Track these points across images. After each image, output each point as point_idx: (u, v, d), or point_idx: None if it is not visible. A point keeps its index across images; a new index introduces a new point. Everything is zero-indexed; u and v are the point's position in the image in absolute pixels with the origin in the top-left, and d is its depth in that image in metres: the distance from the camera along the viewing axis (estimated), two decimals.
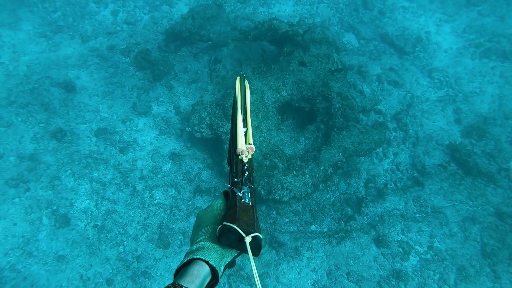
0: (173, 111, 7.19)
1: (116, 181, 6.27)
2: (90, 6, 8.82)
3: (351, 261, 5.48)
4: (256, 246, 1.06)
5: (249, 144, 1.36)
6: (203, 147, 6.73)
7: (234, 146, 1.35)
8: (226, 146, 6.05)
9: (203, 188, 6.28)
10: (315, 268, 5.45)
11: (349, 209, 6.13)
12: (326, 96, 6.26)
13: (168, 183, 6.31)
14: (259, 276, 5.35)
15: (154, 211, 6.02)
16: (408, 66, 8.03)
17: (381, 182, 6.53)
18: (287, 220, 6.00)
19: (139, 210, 6.02)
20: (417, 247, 5.60)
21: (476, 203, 6.02)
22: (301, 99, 6.40)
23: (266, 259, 5.57)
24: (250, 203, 1.16)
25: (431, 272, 5.38)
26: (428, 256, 5.53)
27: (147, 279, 5.41)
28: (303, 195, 5.75)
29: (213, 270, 1.01)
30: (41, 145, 6.54)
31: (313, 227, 5.97)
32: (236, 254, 1.13)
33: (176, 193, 6.25)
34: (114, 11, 8.76)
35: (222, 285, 5.35)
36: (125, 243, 5.70)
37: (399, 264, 5.46)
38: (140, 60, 7.54)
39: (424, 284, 5.27)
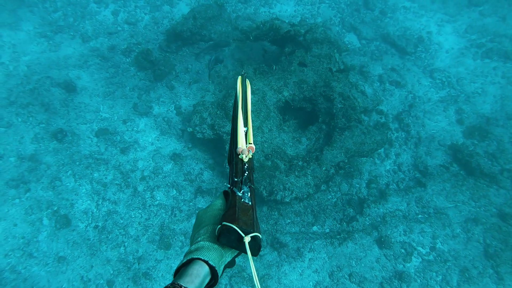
0: (174, 111, 7.16)
1: (117, 182, 6.24)
2: (91, 6, 8.79)
3: (353, 262, 5.45)
4: (256, 246, 1.05)
5: (250, 143, 1.35)
6: (204, 148, 6.71)
7: (235, 146, 1.34)
8: (227, 147, 6.02)
9: (204, 189, 6.25)
10: (317, 269, 5.42)
11: (351, 210, 6.10)
12: (327, 96, 6.23)
13: (169, 184, 6.28)
14: (261, 278, 5.32)
15: (155, 212, 5.99)
16: (409, 67, 8.01)
17: (383, 182, 6.50)
18: (288, 221, 5.97)
19: (140, 211, 5.99)
20: (419, 248, 5.58)
21: (479, 204, 5.99)
22: (302, 99, 6.37)
23: (268, 260, 5.54)
24: (250, 203, 1.15)
25: (434, 274, 5.35)
26: (431, 257, 5.50)
27: (148, 280, 5.38)
28: (305, 196, 5.72)
29: (212, 270, 1.01)
30: (42, 146, 6.51)
31: (315, 228, 5.94)
32: (235, 254, 1.12)
33: (177, 194, 6.22)
34: (114, 11, 8.74)
35: (223, 286, 5.32)
36: (126, 244, 5.67)
37: (402, 265, 5.43)
38: (141, 60, 7.51)
39: (426, 285, 5.24)
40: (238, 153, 1.30)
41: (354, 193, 6.33)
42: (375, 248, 5.58)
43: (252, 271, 0.97)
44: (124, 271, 5.43)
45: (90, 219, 5.87)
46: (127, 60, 7.85)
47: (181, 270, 1.00)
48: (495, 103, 7.48)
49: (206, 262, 1.00)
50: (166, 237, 5.74)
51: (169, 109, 7.19)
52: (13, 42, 7.93)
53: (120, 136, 6.80)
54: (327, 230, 5.90)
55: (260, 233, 1.08)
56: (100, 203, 6.03)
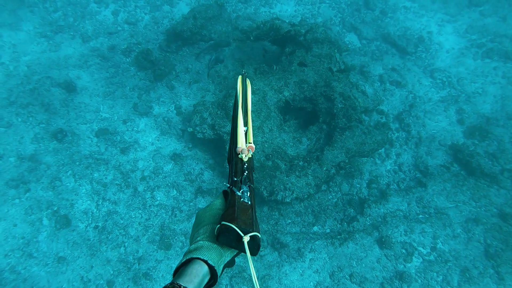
0: (175, 111, 7.15)
1: (117, 182, 6.23)
2: (91, 6, 8.78)
3: (354, 263, 5.44)
4: (255, 245, 1.05)
5: (250, 143, 1.35)
6: (204, 148, 6.69)
7: (234, 145, 1.33)
8: (227, 146, 6.01)
9: (205, 189, 6.24)
10: (317, 270, 5.41)
11: (352, 210, 6.09)
12: (328, 96, 6.23)
13: (169, 184, 6.27)
14: (262, 278, 5.31)
15: (155, 212, 5.98)
16: (410, 66, 8.01)
17: (384, 182, 6.49)
18: (289, 221, 5.96)
19: (140, 211, 5.98)
20: (420, 248, 5.57)
21: (479, 204, 5.98)
22: (303, 99, 6.36)
23: (269, 261, 5.53)
24: (249, 203, 1.15)
25: (435, 274, 5.34)
26: (432, 258, 5.49)
27: (148, 281, 5.36)
28: (306, 196, 5.71)
29: (211, 269, 1.00)
30: (42, 146, 6.50)
31: (315, 228, 5.93)
32: (235, 253, 1.12)
33: (178, 194, 6.21)
34: (115, 11, 8.73)
35: (224, 287, 5.31)
36: (126, 244, 5.66)
37: (402, 266, 5.42)
38: (141, 60, 7.50)
39: (427, 285, 5.23)
40: (238, 152, 1.30)
41: (354, 193, 6.32)
42: (376, 248, 5.57)
43: (251, 270, 0.96)
44: (124, 272, 5.42)
45: (90, 219, 5.86)
46: (127, 60, 7.84)
47: (180, 269, 1.00)
48: (495, 103, 7.48)
49: (205, 262, 1.00)
50: (166, 238, 5.73)
51: (169, 109, 7.18)
52: (13, 42, 7.92)
53: (120, 136, 6.79)
54: (328, 230, 5.89)
55: (259, 233, 1.08)
56: (100, 203, 6.02)
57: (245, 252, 1.03)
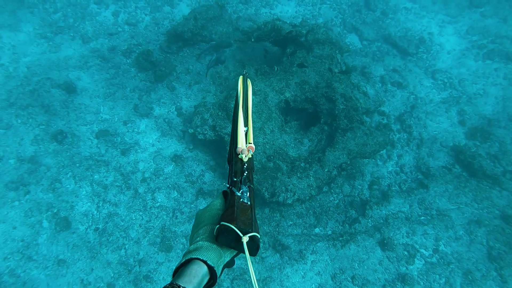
0: (175, 112, 7.12)
1: (117, 184, 6.19)
2: (91, 7, 8.76)
3: (356, 265, 5.41)
4: (254, 246, 1.05)
5: (250, 143, 1.34)
6: (205, 149, 6.66)
7: (234, 145, 1.33)
8: (228, 147, 5.98)
9: (206, 191, 6.21)
10: (319, 272, 5.38)
11: (353, 212, 6.06)
12: (329, 97, 6.20)
13: (170, 186, 6.24)
14: (263, 280, 5.28)
15: (156, 214, 5.94)
16: (411, 67, 7.99)
17: (385, 184, 6.46)
18: (290, 222, 5.93)
19: (141, 213, 5.94)
20: (422, 250, 5.54)
21: (482, 206, 5.96)
22: (304, 100, 6.34)
23: (270, 263, 5.49)
24: (249, 203, 1.15)
25: (437, 276, 5.31)
26: (434, 260, 5.46)
27: (149, 283, 5.33)
28: (307, 198, 5.68)
29: (211, 270, 1.00)
30: (42, 147, 6.46)
31: (317, 230, 5.90)
32: (234, 254, 1.12)
33: (179, 196, 6.18)
34: (115, 12, 8.71)
35: None
36: (126, 246, 5.62)
37: (405, 268, 5.39)
38: (142, 61, 7.48)
39: None
40: (238, 152, 1.29)
41: (356, 194, 6.30)
42: (378, 250, 5.54)
43: (250, 270, 0.96)
44: (125, 274, 5.38)
45: (91, 221, 5.82)
46: (128, 61, 7.81)
47: (179, 270, 0.99)
48: (496, 104, 7.46)
49: (205, 262, 1.00)
50: (167, 240, 5.69)
51: (170, 110, 7.15)
52: (13, 44, 7.89)
53: (120, 138, 6.76)
54: (330, 232, 5.86)
55: (258, 233, 1.07)
56: (100, 205, 5.99)
57: (244, 252, 1.02)
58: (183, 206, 6.07)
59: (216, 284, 1.03)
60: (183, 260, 1.01)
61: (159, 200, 6.09)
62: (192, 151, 6.67)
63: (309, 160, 5.85)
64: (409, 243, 5.56)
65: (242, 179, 1.20)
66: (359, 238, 5.60)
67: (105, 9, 8.76)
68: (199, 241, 1.08)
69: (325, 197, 6.20)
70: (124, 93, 7.31)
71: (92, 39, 8.15)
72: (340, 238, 5.63)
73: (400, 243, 5.56)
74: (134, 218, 5.88)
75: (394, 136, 7.01)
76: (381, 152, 6.62)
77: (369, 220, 5.86)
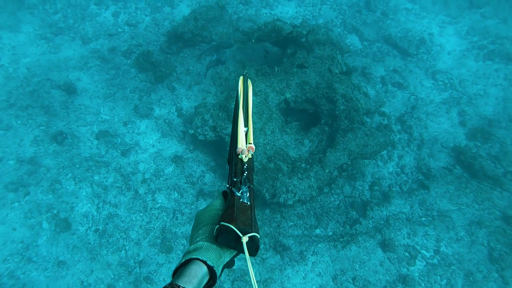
0: (176, 113, 7.11)
1: (117, 185, 6.17)
2: (91, 7, 8.75)
3: (357, 266, 5.39)
4: (254, 246, 1.05)
5: (250, 143, 1.34)
6: (206, 150, 6.65)
7: (234, 146, 1.33)
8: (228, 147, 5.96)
9: (206, 192, 6.19)
10: (320, 273, 5.36)
11: (354, 213, 6.05)
12: (330, 98, 6.19)
13: (170, 186, 6.22)
14: (264, 281, 5.26)
15: (156, 215, 5.93)
16: (411, 68, 7.99)
17: (386, 185, 6.45)
18: (291, 223, 5.91)
19: (141, 214, 5.92)
20: (423, 251, 5.52)
21: (483, 207, 5.94)
22: (305, 101, 6.33)
23: (271, 264, 5.48)
24: (249, 203, 1.15)
25: (438, 277, 5.30)
26: (435, 261, 5.45)
27: (149, 285, 5.30)
28: (308, 199, 5.67)
29: (211, 270, 1.01)
30: (41, 148, 6.45)
31: (318, 231, 5.88)
32: (234, 254, 1.12)
33: (179, 197, 6.16)
34: (115, 12, 8.70)
35: None
36: (127, 248, 5.60)
37: (406, 269, 5.38)
38: (142, 62, 7.47)
39: None
40: (238, 153, 1.29)
41: (357, 195, 6.28)
42: (379, 251, 5.53)
43: (250, 271, 0.96)
44: (125, 276, 5.36)
45: (91, 222, 5.80)
46: (128, 61, 7.80)
47: (179, 270, 0.99)
48: (497, 105, 7.46)
49: (205, 262, 1.00)
50: (167, 241, 5.68)
51: (170, 111, 7.14)
52: (12, 44, 7.88)
53: (120, 138, 6.74)
54: (330, 233, 5.85)
55: (258, 233, 1.07)
56: (100, 206, 5.97)
57: (244, 252, 1.02)
58: (184, 207, 6.06)
59: (216, 284, 1.03)
60: (183, 260, 1.01)
61: (160, 201, 6.08)
62: (192, 152, 6.66)
63: (310, 161, 5.84)
64: (410, 244, 5.54)
65: (242, 180, 1.20)
66: (360, 239, 5.58)
67: (105, 10, 8.76)
68: (199, 241, 1.08)
69: (325, 198, 6.19)
70: (124, 93, 7.30)
71: (92, 40, 8.14)
72: (341, 239, 5.62)
73: (401, 244, 5.55)
74: (134, 219, 5.87)
75: (394, 136, 7.00)
76: (382, 152, 6.61)
77: (370, 221, 5.85)
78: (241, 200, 1.14)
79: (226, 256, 1.09)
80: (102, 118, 6.96)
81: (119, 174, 6.28)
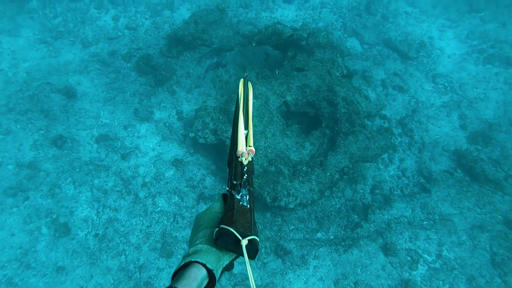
0: (176, 116, 7.09)
1: (117, 189, 6.13)
2: (91, 11, 8.75)
3: (359, 270, 5.35)
4: (253, 249, 1.05)
5: (250, 146, 1.34)
6: (206, 153, 6.62)
7: (234, 148, 1.33)
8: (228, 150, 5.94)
9: (207, 195, 6.16)
10: (322, 277, 5.32)
11: (356, 216, 6.02)
12: (331, 101, 6.18)
13: (171, 190, 6.19)
14: (266, 286, 5.21)
15: (156, 219, 5.88)
16: (412, 71, 7.99)
17: (387, 188, 6.43)
18: (292, 227, 5.88)
19: (141, 218, 5.88)
20: (425, 255, 5.49)
21: (484, 211, 5.92)
22: (305, 104, 6.32)
23: (272, 268, 5.43)
24: (248, 206, 1.15)
25: (441, 282, 5.26)
26: (437, 265, 5.41)
27: None
28: (309, 202, 5.64)
29: (210, 273, 1.01)
30: (41, 153, 6.41)
31: (319, 235, 5.85)
32: (233, 257, 1.12)
33: (179, 200, 6.12)
34: (115, 16, 8.70)
35: None
36: (127, 252, 5.55)
37: (408, 273, 5.34)
38: (142, 65, 7.45)
39: None
40: (238, 155, 1.29)
41: (358, 199, 6.26)
42: (381, 255, 5.49)
43: (249, 273, 0.96)
44: (125, 281, 5.31)
45: (90, 227, 5.75)
46: (128, 65, 7.79)
47: (179, 273, 0.99)
48: (497, 109, 7.46)
49: (204, 265, 1.00)
50: (168, 245, 5.63)
51: (171, 114, 7.11)
52: (12, 49, 7.86)
53: (120, 142, 6.71)
54: (332, 237, 5.81)
55: (258, 237, 1.07)
56: (100, 210, 5.92)
57: (243, 255, 1.03)
58: (184, 211, 6.02)
59: (215, 287, 1.03)
60: (182, 263, 1.01)
61: (160, 205, 6.04)
62: (193, 155, 6.63)
63: (311, 164, 5.82)
64: (412, 248, 5.51)
65: (242, 182, 1.20)
66: (361, 243, 5.55)
67: (105, 13, 8.76)
68: (198, 244, 1.08)
69: (327, 202, 6.16)
70: (124, 97, 7.28)
71: (92, 44, 8.13)
72: (343, 243, 5.58)
73: (403, 248, 5.51)
74: (134, 223, 5.82)
75: (395, 140, 6.98)
76: (383, 156, 6.59)
77: (372, 225, 5.81)
78: (240, 203, 1.14)
79: (226, 259, 1.08)
80: (102, 121, 6.94)
81: (119, 178, 6.24)
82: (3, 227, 5.58)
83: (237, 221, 1.07)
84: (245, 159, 1.27)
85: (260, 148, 5.87)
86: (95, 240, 5.63)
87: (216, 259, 1.04)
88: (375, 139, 6.00)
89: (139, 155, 6.57)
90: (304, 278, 5.32)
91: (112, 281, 5.29)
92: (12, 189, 5.92)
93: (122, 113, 7.08)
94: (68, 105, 7.03)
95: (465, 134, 7.10)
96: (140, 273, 5.39)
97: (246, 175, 1.23)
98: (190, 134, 6.34)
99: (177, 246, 5.65)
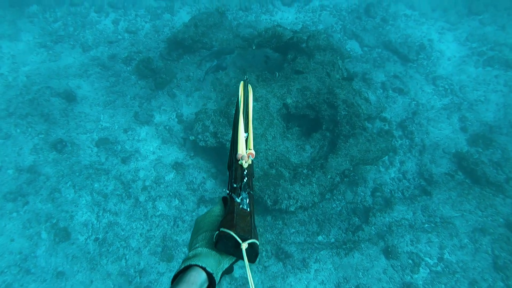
0: (176, 119, 7.08)
1: (117, 192, 6.11)
2: (91, 15, 8.77)
3: (360, 273, 5.33)
4: (253, 252, 1.05)
5: (250, 149, 1.34)
6: (207, 156, 6.61)
7: (235, 151, 1.32)
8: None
9: (207, 198, 6.14)
10: (323, 281, 5.29)
11: (357, 219, 6.00)
12: (331, 103, 6.18)
13: (171, 194, 6.17)
14: None
15: (157, 223, 5.86)
16: (412, 74, 8.00)
17: (388, 191, 6.41)
18: (293, 230, 5.86)
19: (141, 222, 5.86)
20: (427, 258, 5.47)
21: (486, 214, 5.90)
22: (306, 106, 6.31)
23: (273, 272, 5.41)
24: (248, 209, 1.15)
25: (442, 286, 5.23)
26: (439, 268, 5.39)
27: None
28: (310, 205, 5.62)
29: (210, 276, 1.00)
30: (41, 157, 6.39)
31: (320, 238, 5.82)
32: (233, 260, 1.11)
33: (180, 204, 6.10)
34: (115, 20, 8.71)
35: None
36: (127, 256, 5.53)
37: (409, 277, 5.31)
38: (142, 69, 7.46)
39: None
40: (238, 159, 1.28)
41: (359, 201, 6.24)
42: (382, 259, 5.46)
43: (249, 277, 0.95)
44: (125, 285, 5.28)
45: (90, 231, 5.73)
46: (128, 68, 7.79)
47: (178, 276, 0.99)
48: (498, 111, 7.46)
49: (204, 269, 0.99)
50: (168, 249, 5.60)
51: (171, 118, 7.11)
52: (12, 53, 7.87)
53: (121, 146, 6.70)
54: (333, 240, 5.78)
55: (258, 240, 1.07)
56: (100, 214, 5.90)
57: (243, 259, 1.02)
58: (185, 214, 6.00)
59: None
60: (182, 267, 1.01)
61: (160, 208, 6.01)
62: (193, 158, 6.61)
63: (312, 167, 5.80)
64: (414, 251, 5.49)
65: (242, 186, 1.20)
66: (362, 246, 5.52)
67: (105, 17, 8.77)
68: (198, 247, 1.08)
69: (327, 204, 6.14)
70: (124, 100, 7.27)
71: (92, 47, 8.13)
72: (344, 246, 5.56)
73: (404, 251, 5.49)
74: (134, 227, 5.80)
75: (396, 142, 6.97)
76: (384, 158, 6.58)
77: (373, 228, 5.79)
78: (240, 206, 1.13)
79: (225, 263, 1.08)
80: (102, 125, 6.93)
81: (119, 181, 6.23)
82: (3, 233, 5.55)
83: (237, 224, 1.06)
84: (245, 162, 1.27)
85: (261, 150, 5.86)
86: (95, 245, 5.61)
87: (216, 263, 1.03)
88: (376, 142, 5.98)
89: (139, 158, 6.55)
90: (305, 282, 5.29)
91: (112, 286, 5.26)
92: (11, 193, 5.90)
93: (122, 116, 7.07)
94: (68, 109, 7.02)
95: (465, 137, 7.09)
96: (140, 277, 5.36)
97: (246, 178, 1.23)
98: (190, 137, 6.33)
99: (178, 250, 5.63)
